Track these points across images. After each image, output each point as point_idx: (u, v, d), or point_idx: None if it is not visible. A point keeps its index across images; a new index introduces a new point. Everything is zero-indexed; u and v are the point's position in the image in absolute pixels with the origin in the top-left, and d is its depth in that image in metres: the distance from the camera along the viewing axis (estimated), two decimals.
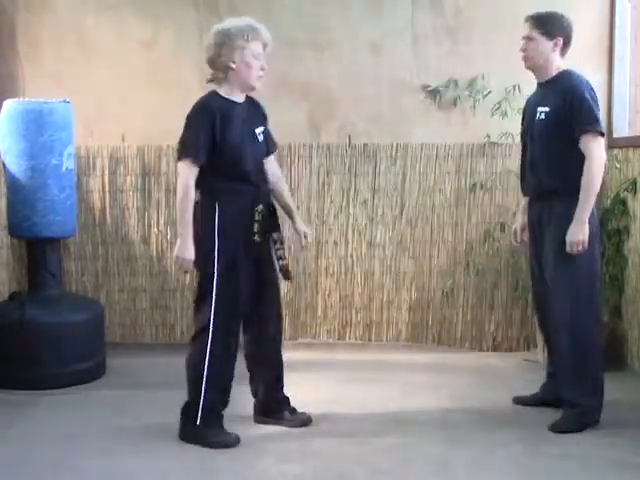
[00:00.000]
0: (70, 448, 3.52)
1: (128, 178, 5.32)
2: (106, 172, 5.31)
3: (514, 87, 4.96)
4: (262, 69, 3.55)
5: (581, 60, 5.16)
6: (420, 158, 5.25)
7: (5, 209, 4.65)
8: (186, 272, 3.70)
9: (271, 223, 3.64)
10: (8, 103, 4.50)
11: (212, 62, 3.56)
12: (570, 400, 3.76)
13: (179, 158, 3.53)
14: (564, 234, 3.66)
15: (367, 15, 5.23)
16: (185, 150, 3.51)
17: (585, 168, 3.65)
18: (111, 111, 5.24)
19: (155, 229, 5.35)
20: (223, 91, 3.57)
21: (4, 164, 4.54)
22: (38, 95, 4.80)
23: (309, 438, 3.63)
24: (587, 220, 3.64)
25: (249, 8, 5.21)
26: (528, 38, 3.83)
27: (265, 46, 3.56)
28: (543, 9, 5.12)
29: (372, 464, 3.35)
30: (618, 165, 4.87)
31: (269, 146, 3.74)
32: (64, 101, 4.55)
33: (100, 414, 3.99)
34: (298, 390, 3.91)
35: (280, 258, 3.68)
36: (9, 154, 4.48)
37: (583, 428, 3.70)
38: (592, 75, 5.13)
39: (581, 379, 3.75)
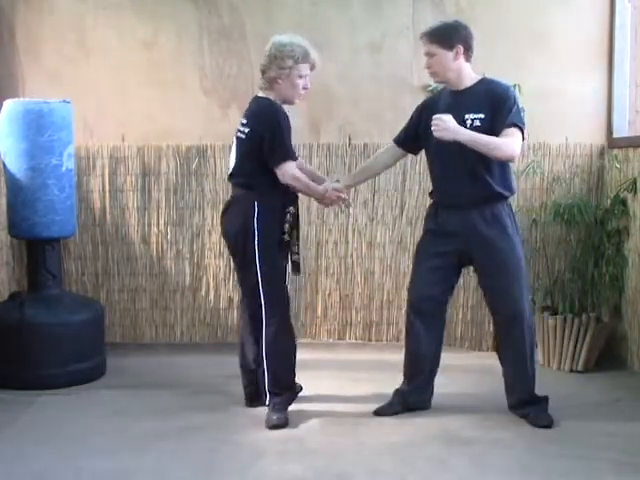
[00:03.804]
0: (70, 448, 3.53)
1: (128, 178, 5.32)
2: (106, 172, 5.31)
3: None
4: (304, 88, 3.85)
5: (581, 60, 5.19)
6: (420, 158, 5.22)
7: (5, 209, 4.65)
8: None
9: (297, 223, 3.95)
10: (8, 103, 4.50)
11: (263, 72, 3.82)
12: (537, 395, 3.89)
13: (285, 160, 3.77)
14: (505, 235, 3.79)
15: (367, 15, 5.23)
16: (290, 153, 3.80)
17: (507, 141, 3.68)
18: (111, 111, 5.24)
19: (155, 229, 5.34)
20: (273, 98, 3.83)
21: (4, 164, 4.54)
22: (38, 95, 4.80)
23: (309, 438, 3.63)
24: (464, 139, 3.62)
25: (249, 8, 5.24)
26: (429, 54, 3.79)
27: (313, 68, 3.85)
28: (543, 10, 5.19)
29: (372, 464, 3.35)
30: (618, 165, 4.87)
31: None
32: (64, 101, 4.55)
33: (100, 414, 3.99)
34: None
35: (294, 253, 3.90)
36: (9, 154, 4.48)
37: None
38: (592, 75, 5.18)
39: (534, 370, 3.92)
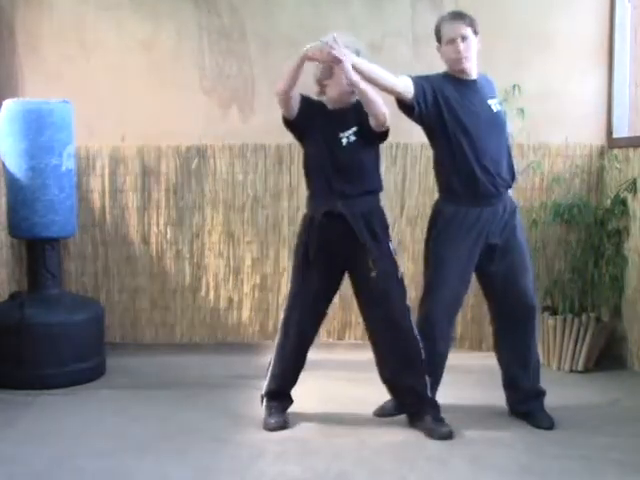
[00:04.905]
0: (70, 448, 3.52)
1: (128, 178, 5.32)
2: (106, 172, 5.31)
3: (514, 87, 4.96)
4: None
5: (581, 60, 5.19)
6: (420, 158, 5.24)
7: (5, 209, 4.65)
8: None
9: (343, 235, 3.67)
10: (8, 103, 4.50)
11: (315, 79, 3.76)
12: (541, 389, 3.89)
13: None
14: (520, 225, 3.83)
15: (367, 15, 5.23)
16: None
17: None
18: (111, 111, 5.24)
19: (155, 229, 5.34)
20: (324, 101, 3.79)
21: (4, 164, 4.54)
22: (38, 95, 4.81)
23: (309, 438, 3.63)
24: None
25: (249, 8, 5.25)
26: (464, 37, 3.72)
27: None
28: (543, 10, 5.18)
29: (372, 464, 3.35)
30: (618, 165, 4.87)
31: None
32: (64, 101, 4.55)
33: (100, 414, 3.99)
34: (298, 390, 3.91)
35: (369, 269, 3.71)
36: (9, 154, 4.48)
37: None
38: (592, 75, 5.18)
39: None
